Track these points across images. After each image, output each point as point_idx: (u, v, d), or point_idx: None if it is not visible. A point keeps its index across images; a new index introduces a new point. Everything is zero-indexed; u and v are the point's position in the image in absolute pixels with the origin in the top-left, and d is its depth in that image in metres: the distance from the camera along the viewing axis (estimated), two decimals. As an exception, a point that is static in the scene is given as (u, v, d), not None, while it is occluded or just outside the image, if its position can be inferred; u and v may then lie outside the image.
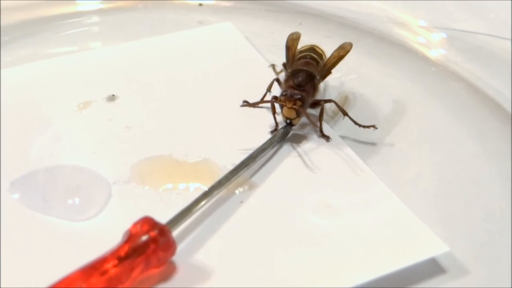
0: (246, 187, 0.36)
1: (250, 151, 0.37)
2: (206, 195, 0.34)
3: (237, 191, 0.36)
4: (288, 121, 0.39)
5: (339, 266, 0.32)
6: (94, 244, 0.30)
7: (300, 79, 0.39)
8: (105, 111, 0.42)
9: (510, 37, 0.48)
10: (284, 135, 0.39)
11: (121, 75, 0.45)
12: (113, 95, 0.43)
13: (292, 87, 0.39)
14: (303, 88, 0.39)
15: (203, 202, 0.33)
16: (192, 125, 0.41)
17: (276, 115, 0.40)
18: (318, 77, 0.40)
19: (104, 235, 0.31)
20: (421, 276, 0.32)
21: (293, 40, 0.42)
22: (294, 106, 0.38)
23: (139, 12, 0.54)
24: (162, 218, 0.31)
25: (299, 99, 0.38)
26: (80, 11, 0.54)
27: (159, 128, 0.40)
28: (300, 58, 0.41)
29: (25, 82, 0.44)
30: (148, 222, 0.30)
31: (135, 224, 0.30)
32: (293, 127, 0.39)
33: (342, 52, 0.41)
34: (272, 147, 0.38)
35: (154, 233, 0.30)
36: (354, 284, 0.31)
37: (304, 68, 0.40)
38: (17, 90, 0.43)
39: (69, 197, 0.35)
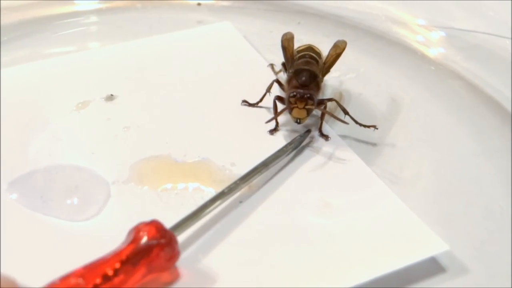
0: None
1: (251, 152, 0.37)
2: (214, 200, 0.33)
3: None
4: (298, 121, 0.38)
5: (339, 266, 0.32)
6: (93, 244, 0.30)
7: (304, 78, 0.38)
8: (103, 111, 0.42)
9: (509, 36, 0.48)
10: (300, 143, 0.39)
11: (119, 75, 0.45)
12: (112, 95, 0.43)
13: (297, 87, 0.38)
14: (308, 87, 0.38)
15: (211, 207, 0.33)
16: (191, 125, 0.41)
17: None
18: (320, 76, 0.40)
19: (103, 235, 0.31)
20: (421, 275, 0.32)
21: (287, 40, 0.42)
22: (306, 106, 0.37)
23: (138, 12, 0.54)
24: (161, 218, 0.31)
25: (310, 98, 0.37)
26: (79, 11, 0.54)
27: (158, 128, 0.40)
28: (299, 58, 0.41)
29: (24, 82, 0.44)
30: (156, 227, 0.30)
31: (142, 226, 0.30)
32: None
33: (338, 50, 0.41)
34: (287, 155, 0.38)
35: (161, 241, 0.29)
36: (355, 284, 0.31)
37: (306, 67, 0.39)
38: (15, 90, 0.43)
39: (68, 197, 0.35)
